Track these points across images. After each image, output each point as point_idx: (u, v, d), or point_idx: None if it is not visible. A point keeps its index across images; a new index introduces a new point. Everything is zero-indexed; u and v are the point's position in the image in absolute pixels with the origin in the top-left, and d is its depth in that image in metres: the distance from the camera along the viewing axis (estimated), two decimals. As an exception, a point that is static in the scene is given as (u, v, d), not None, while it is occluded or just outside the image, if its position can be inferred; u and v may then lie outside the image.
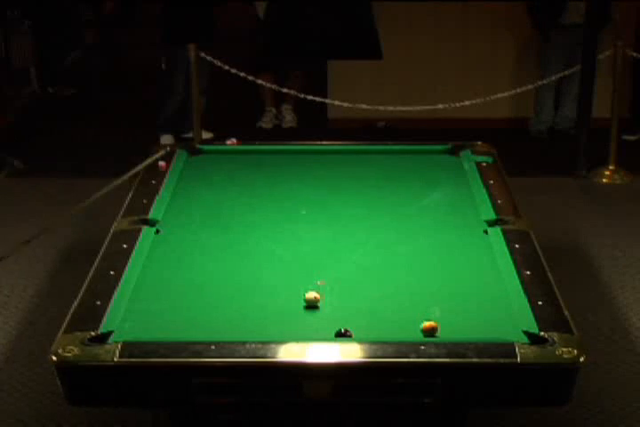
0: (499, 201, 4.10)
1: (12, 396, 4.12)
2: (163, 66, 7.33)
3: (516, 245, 3.65)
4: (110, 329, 3.04)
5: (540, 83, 7.23)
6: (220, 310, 3.24)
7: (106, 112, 8.43)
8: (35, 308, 4.87)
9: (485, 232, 3.84)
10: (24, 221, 6.02)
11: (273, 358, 2.89)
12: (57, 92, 8.89)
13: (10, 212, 6.22)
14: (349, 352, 2.91)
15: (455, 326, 3.10)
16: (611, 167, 6.81)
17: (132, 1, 9.19)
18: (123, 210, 4.06)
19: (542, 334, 2.99)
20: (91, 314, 3.13)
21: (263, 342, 2.92)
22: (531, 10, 7.53)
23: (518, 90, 7.16)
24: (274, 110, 8.05)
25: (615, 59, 6.66)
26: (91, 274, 3.42)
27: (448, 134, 5.32)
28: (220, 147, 4.96)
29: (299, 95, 7.13)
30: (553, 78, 7.24)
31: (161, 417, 3.53)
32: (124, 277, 3.40)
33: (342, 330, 3.04)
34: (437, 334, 3.04)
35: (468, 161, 4.65)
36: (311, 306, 3.25)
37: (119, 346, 2.89)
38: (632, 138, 7.51)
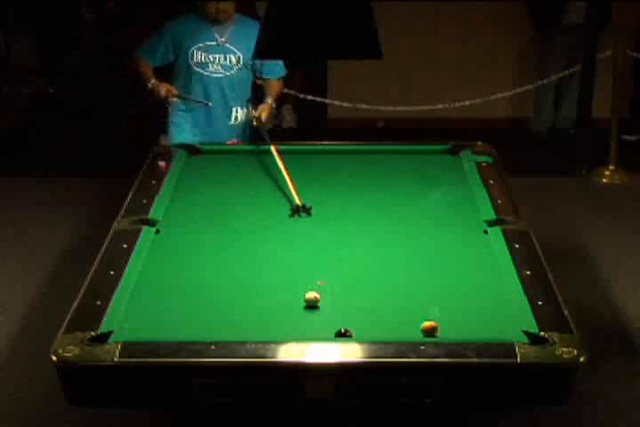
0: (499, 201, 4.10)
1: (12, 396, 4.12)
2: None
3: (516, 245, 3.65)
4: (110, 329, 3.04)
5: (539, 83, 7.23)
6: (220, 310, 3.24)
7: (106, 112, 8.42)
8: (35, 308, 4.87)
9: (485, 232, 3.84)
10: (24, 221, 6.02)
11: (273, 358, 2.89)
12: (57, 91, 8.88)
13: (10, 211, 6.22)
14: (349, 352, 2.91)
15: (455, 326, 3.10)
16: (611, 167, 6.81)
17: (133, 1, 9.18)
18: (123, 210, 4.06)
19: (542, 334, 2.99)
20: (91, 314, 3.13)
21: (263, 342, 2.92)
22: (531, 10, 7.53)
23: (518, 90, 7.16)
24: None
25: (615, 59, 6.66)
26: (91, 274, 3.42)
27: (448, 134, 5.32)
28: (220, 147, 4.96)
29: (299, 95, 7.13)
30: (553, 78, 7.24)
31: (161, 417, 3.54)
32: (124, 277, 3.41)
33: (342, 330, 3.04)
34: (437, 335, 3.04)
35: (468, 161, 4.65)
36: (311, 306, 3.25)
37: (119, 346, 2.89)
38: (632, 138, 7.50)
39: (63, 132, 7.68)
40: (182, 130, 4.94)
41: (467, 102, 7.06)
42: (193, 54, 4.76)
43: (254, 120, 5.01)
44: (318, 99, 7.16)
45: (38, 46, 8.88)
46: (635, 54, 6.93)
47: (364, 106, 7.01)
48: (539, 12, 7.48)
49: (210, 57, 4.79)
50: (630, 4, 7.54)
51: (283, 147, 5.03)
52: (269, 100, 5.07)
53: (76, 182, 6.55)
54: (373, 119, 7.72)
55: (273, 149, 4.51)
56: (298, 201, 4.06)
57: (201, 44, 4.75)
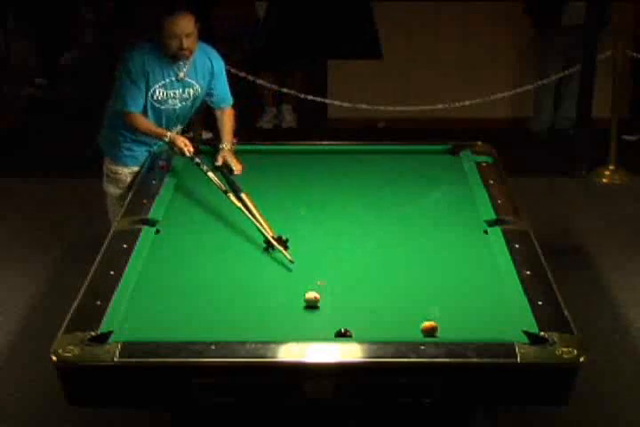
0: (499, 201, 4.10)
1: (12, 396, 4.12)
2: None
3: (516, 245, 3.65)
4: (110, 329, 3.04)
5: (539, 83, 7.23)
6: (220, 310, 3.24)
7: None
8: (35, 308, 4.87)
9: (485, 232, 3.84)
10: (24, 221, 6.02)
11: (273, 358, 2.89)
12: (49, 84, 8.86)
13: (10, 211, 6.22)
14: (349, 352, 2.91)
15: (455, 326, 3.10)
16: (611, 167, 6.81)
17: (133, 1, 9.20)
18: (123, 210, 4.06)
19: (542, 334, 2.99)
20: (91, 314, 3.13)
21: (263, 342, 2.92)
22: (530, 10, 7.52)
23: (518, 90, 7.16)
24: (274, 110, 8.04)
25: (615, 59, 6.66)
26: (91, 274, 3.42)
27: (448, 134, 5.32)
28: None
29: (299, 95, 7.13)
30: (552, 78, 7.24)
31: (161, 417, 3.54)
32: (124, 277, 3.40)
33: (342, 330, 3.04)
34: (437, 334, 3.04)
35: (468, 161, 4.65)
36: (311, 306, 3.25)
37: (119, 346, 2.89)
38: (632, 138, 7.50)
39: (63, 132, 7.69)
40: (136, 155, 4.75)
41: (467, 102, 7.05)
42: (154, 92, 4.53)
43: (221, 166, 4.55)
44: (318, 99, 7.16)
45: (38, 46, 8.89)
46: (635, 54, 6.93)
47: (364, 106, 7.02)
48: (538, 12, 7.48)
49: (170, 93, 4.57)
50: (630, 3, 7.55)
51: (283, 147, 5.04)
52: (226, 146, 4.65)
53: (76, 182, 6.55)
54: (373, 119, 7.72)
55: (244, 196, 4.19)
56: (271, 234, 3.77)
57: (162, 82, 4.52)
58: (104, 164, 4.85)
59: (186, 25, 4.41)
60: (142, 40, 4.64)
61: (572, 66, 7.07)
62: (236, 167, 4.56)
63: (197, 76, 4.62)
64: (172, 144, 4.51)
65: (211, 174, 4.34)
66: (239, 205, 4.08)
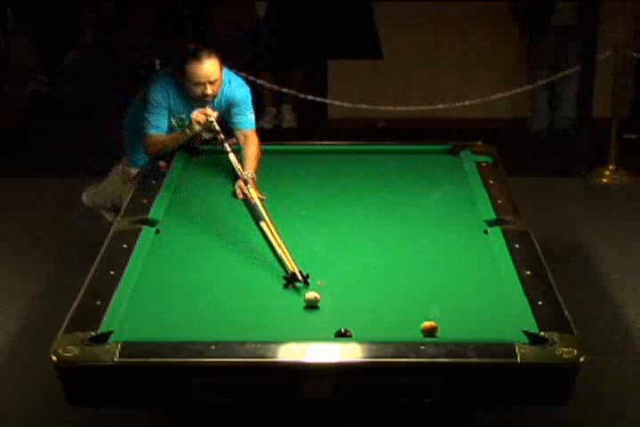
0: (499, 201, 4.10)
1: (12, 396, 4.12)
2: (157, 67, 7.32)
3: (516, 245, 3.65)
4: (110, 329, 3.04)
5: (538, 83, 7.23)
6: (220, 310, 3.25)
7: (106, 112, 8.42)
8: (35, 308, 4.87)
9: (485, 232, 3.84)
10: (24, 221, 6.02)
11: (273, 358, 2.90)
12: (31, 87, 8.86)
13: (10, 211, 6.22)
14: (349, 352, 2.91)
15: (455, 326, 3.10)
16: (611, 167, 6.80)
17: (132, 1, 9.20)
18: (123, 210, 4.07)
19: (542, 333, 2.99)
20: (91, 314, 3.13)
21: (263, 342, 2.92)
22: (522, 10, 7.50)
23: (518, 90, 7.16)
24: (274, 110, 8.04)
25: (615, 59, 6.66)
26: (91, 274, 3.42)
27: (448, 134, 5.31)
28: (219, 147, 4.96)
29: (299, 95, 7.13)
30: (552, 79, 7.23)
31: (161, 417, 3.54)
32: (124, 277, 3.41)
33: (342, 330, 3.04)
34: (437, 335, 3.04)
35: (468, 161, 4.65)
36: (311, 306, 3.25)
37: (119, 346, 2.90)
38: (632, 136, 7.50)
39: (63, 132, 7.68)
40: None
41: (467, 102, 7.05)
42: (170, 121, 4.53)
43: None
44: (318, 99, 7.16)
45: (38, 46, 8.88)
46: (635, 54, 6.93)
47: (364, 106, 7.01)
48: (528, 12, 7.48)
49: (185, 122, 4.51)
50: (630, 3, 7.55)
51: (283, 147, 5.04)
52: (247, 174, 4.27)
53: (77, 182, 6.54)
54: (373, 119, 7.71)
55: (264, 225, 3.89)
56: (292, 268, 3.47)
57: (182, 115, 4.50)
58: (122, 165, 4.89)
59: (211, 72, 4.27)
60: (167, 71, 4.56)
61: (563, 66, 7.07)
62: (253, 196, 4.14)
63: (215, 108, 4.51)
64: (196, 125, 4.39)
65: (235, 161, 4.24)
66: (268, 232, 3.80)
